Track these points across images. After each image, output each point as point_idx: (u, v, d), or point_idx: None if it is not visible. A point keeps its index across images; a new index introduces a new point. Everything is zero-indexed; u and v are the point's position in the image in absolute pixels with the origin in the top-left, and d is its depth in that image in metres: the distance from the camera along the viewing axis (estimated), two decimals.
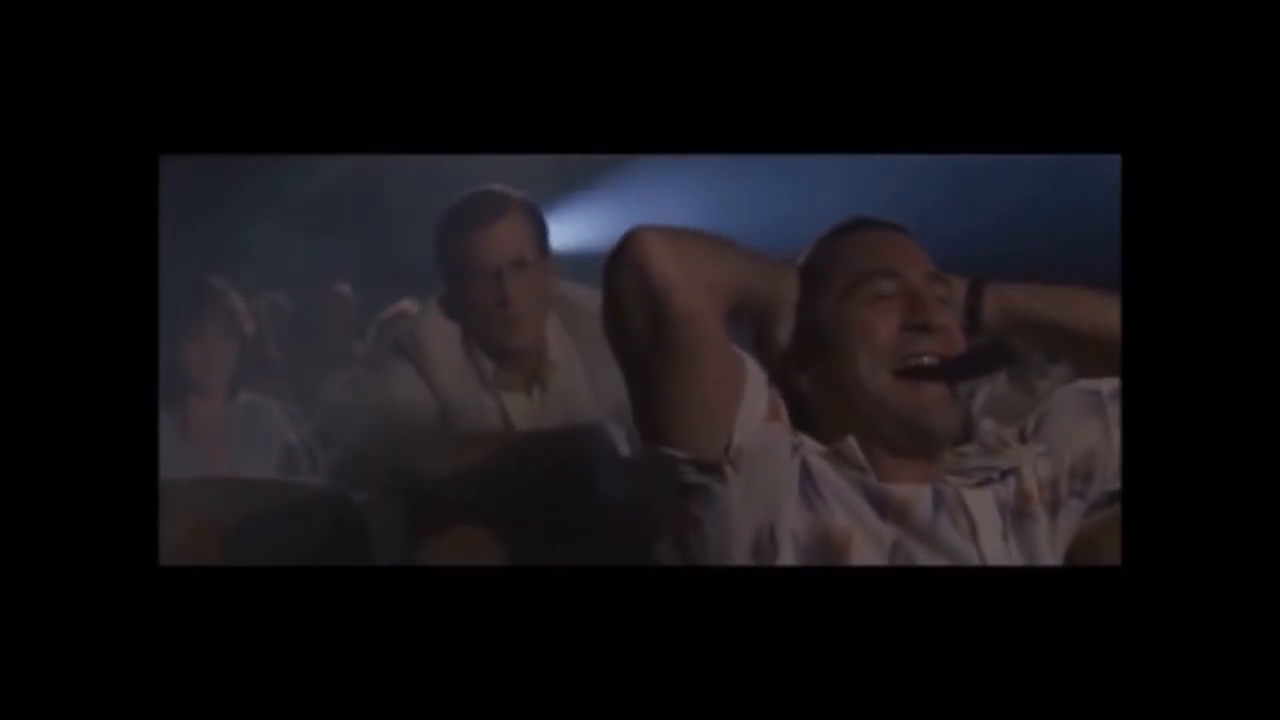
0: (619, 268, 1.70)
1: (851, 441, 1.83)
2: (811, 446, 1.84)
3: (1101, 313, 1.91)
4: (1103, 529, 2.00)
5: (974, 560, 1.81)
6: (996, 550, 1.83)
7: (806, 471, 1.80)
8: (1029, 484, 1.89)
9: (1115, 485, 1.91)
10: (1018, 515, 1.88)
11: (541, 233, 3.05)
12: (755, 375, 1.78)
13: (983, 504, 1.85)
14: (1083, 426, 1.92)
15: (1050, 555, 1.89)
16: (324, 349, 5.74)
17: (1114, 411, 1.91)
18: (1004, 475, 1.89)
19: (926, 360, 1.84)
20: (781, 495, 1.78)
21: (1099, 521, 2.05)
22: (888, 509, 1.81)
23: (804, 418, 1.88)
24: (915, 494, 1.82)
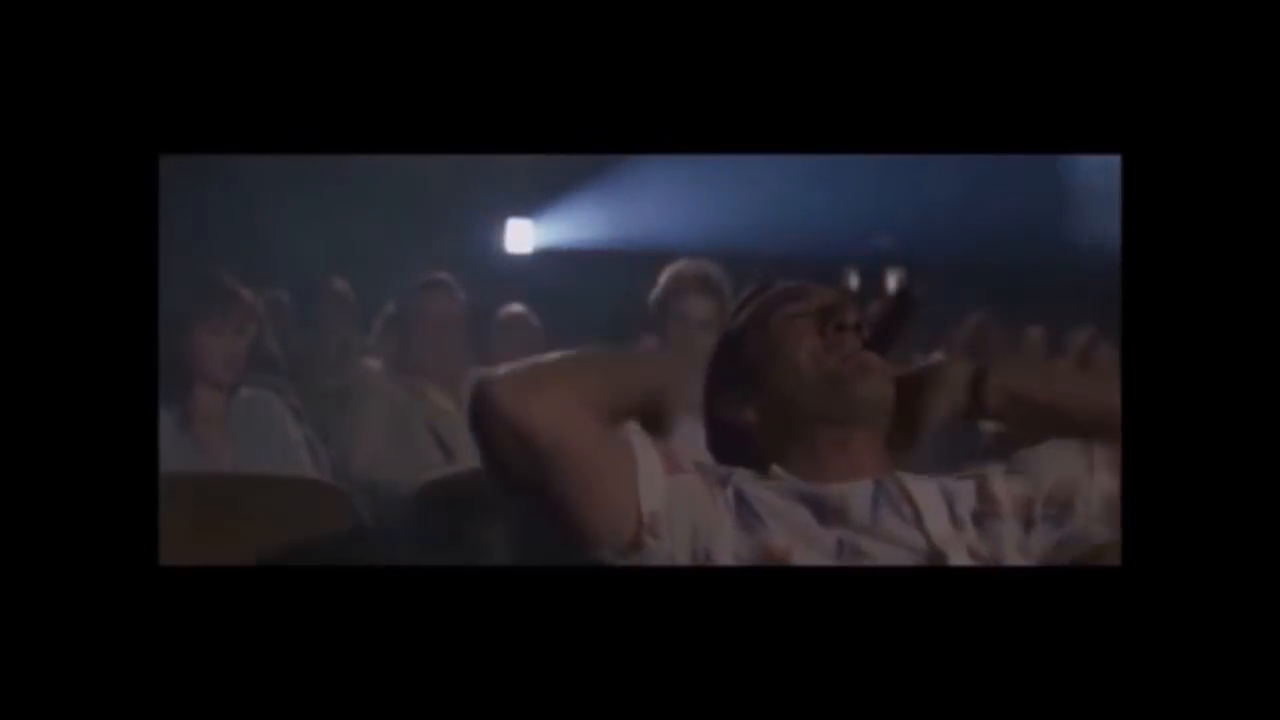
0: (477, 423, 1.77)
1: (776, 470, 1.89)
2: (744, 475, 1.88)
3: (1097, 393, 1.94)
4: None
5: (922, 547, 1.82)
6: (945, 535, 1.84)
7: (741, 498, 1.84)
8: (997, 489, 1.91)
9: (1099, 537, 1.91)
10: (980, 515, 1.89)
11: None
12: (642, 447, 1.83)
13: (926, 490, 1.87)
14: (1065, 459, 1.94)
15: (1018, 558, 1.90)
16: (325, 345, 5.76)
17: (1101, 455, 1.91)
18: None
19: (854, 351, 1.89)
20: (714, 527, 1.82)
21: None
22: (826, 511, 1.84)
23: (749, 450, 1.93)
24: (854, 491, 1.85)
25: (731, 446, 1.95)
